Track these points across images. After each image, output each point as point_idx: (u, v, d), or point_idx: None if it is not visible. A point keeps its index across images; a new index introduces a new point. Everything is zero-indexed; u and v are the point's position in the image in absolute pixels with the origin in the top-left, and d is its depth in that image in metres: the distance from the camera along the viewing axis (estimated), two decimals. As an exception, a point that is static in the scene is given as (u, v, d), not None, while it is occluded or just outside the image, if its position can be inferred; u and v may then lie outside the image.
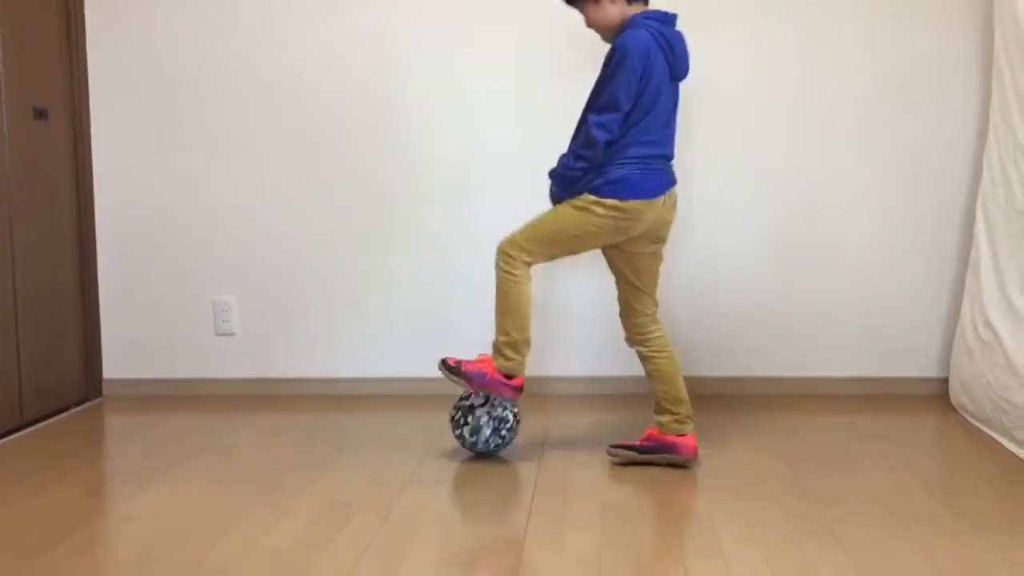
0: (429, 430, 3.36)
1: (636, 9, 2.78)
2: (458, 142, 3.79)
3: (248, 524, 2.49)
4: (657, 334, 2.96)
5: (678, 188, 2.89)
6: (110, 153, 3.88)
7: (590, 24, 2.84)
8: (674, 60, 2.77)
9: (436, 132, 3.79)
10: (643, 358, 2.97)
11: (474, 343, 3.84)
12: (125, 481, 2.88)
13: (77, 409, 3.77)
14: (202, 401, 3.84)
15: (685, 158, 3.73)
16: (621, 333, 3.83)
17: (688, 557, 2.24)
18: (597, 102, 2.72)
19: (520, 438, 3.25)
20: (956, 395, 3.57)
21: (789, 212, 3.74)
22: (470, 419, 2.96)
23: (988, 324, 3.32)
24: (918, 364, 3.78)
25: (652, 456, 2.88)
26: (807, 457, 3.01)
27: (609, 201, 2.74)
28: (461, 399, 3.02)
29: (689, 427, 2.90)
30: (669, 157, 2.87)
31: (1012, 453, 3.03)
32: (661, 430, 2.90)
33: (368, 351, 3.89)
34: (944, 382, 3.72)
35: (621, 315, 3.01)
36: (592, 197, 2.76)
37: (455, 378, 2.89)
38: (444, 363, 2.91)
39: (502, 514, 2.54)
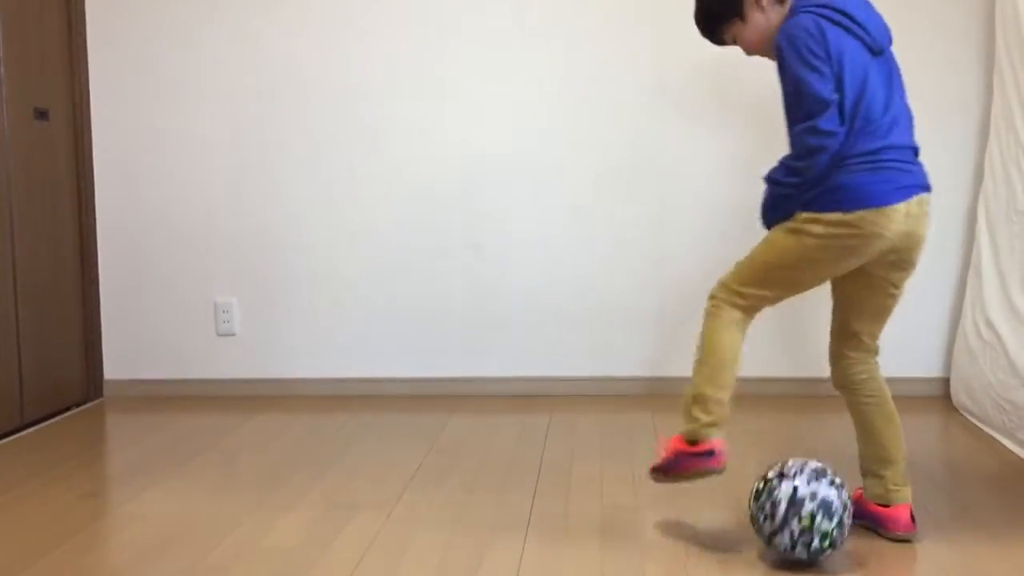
0: (429, 430, 3.36)
1: (789, 3, 2.27)
2: (459, 142, 3.79)
3: (249, 524, 2.49)
4: (865, 376, 2.38)
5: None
6: (110, 153, 3.88)
7: (750, 49, 2.37)
8: (862, 31, 2.22)
9: (436, 132, 3.79)
10: (849, 407, 2.43)
11: (474, 342, 3.85)
12: (126, 482, 2.87)
13: (78, 410, 3.77)
14: (203, 401, 3.84)
15: (685, 158, 3.74)
16: (621, 333, 3.85)
17: (689, 556, 2.24)
18: (798, 112, 2.17)
19: (520, 439, 3.24)
20: (957, 395, 3.56)
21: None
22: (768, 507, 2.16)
23: (990, 324, 3.31)
24: (919, 364, 3.77)
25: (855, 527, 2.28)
26: (808, 456, 3.00)
27: (829, 216, 2.14)
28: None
29: (898, 495, 2.31)
30: (906, 147, 2.23)
31: (1013, 453, 3.02)
32: (865, 495, 2.36)
33: (369, 351, 3.88)
34: (945, 382, 3.71)
35: (831, 353, 2.43)
36: (806, 214, 2.18)
37: (668, 479, 2.33)
38: (654, 471, 2.36)
39: (503, 514, 2.54)
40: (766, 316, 2.39)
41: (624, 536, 2.37)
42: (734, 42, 2.37)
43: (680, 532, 2.40)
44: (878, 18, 2.31)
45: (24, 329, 3.46)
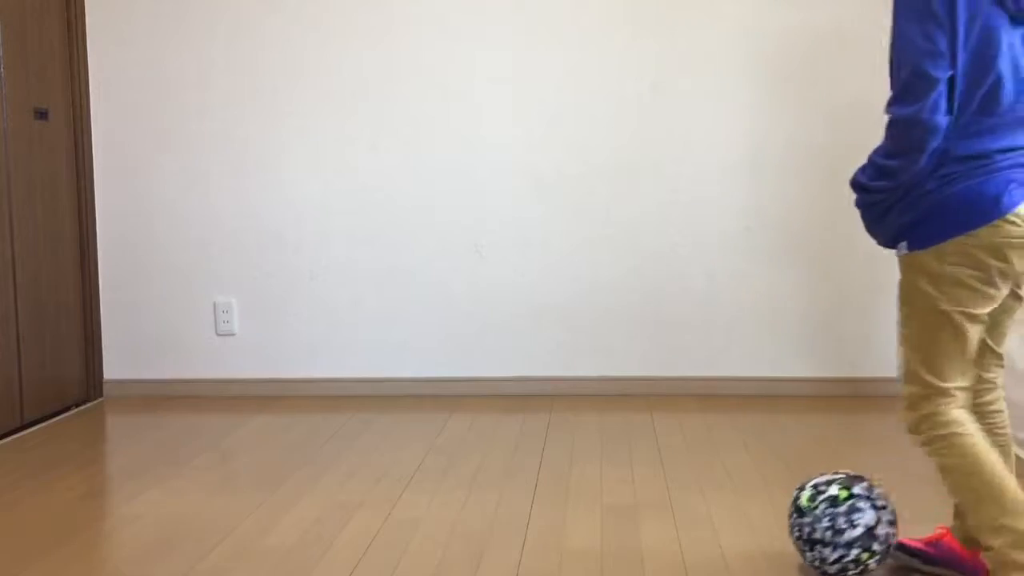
0: (429, 430, 3.36)
1: None
2: (459, 142, 3.79)
3: (249, 524, 2.49)
4: (995, 407, 1.98)
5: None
6: (110, 153, 3.88)
7: None
8: None
9: (437, 132, 3.79)
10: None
11: (474, 342, 3.85)
12: (126, 482, 2.87)
13: (77, 409, 3.77)
14: (203, 401, 3.84)
15: (685, 158, 3.74)
16: (621, 333, 3.85)
17: (687, 555, 2.24)
18: (895, 82, 1.75)
19: (522, 439, 3.25)
20: (957, 395, 3.55)
21: (788, 212, 3.74)
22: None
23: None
24: (919, 364, 3.77)
25: (937, 570, 2.10)
26: (806, 457, 3.01)
27: (949, 245, 1.77)
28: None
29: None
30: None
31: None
32: (954, 533, 2.08)
33: (368, 351, 3.88)
34: (945, 382, 3.71)
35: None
36: (921, 253, 1.80)
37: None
38: (902, 548, 2.08)
39: (502, 514, 2.54)
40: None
41: (624, 536, 2.37)
42: None
43: (679, 532, 2.40)
44: None
45: (24, 329, 3.46)
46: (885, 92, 3.64)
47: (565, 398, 3.80)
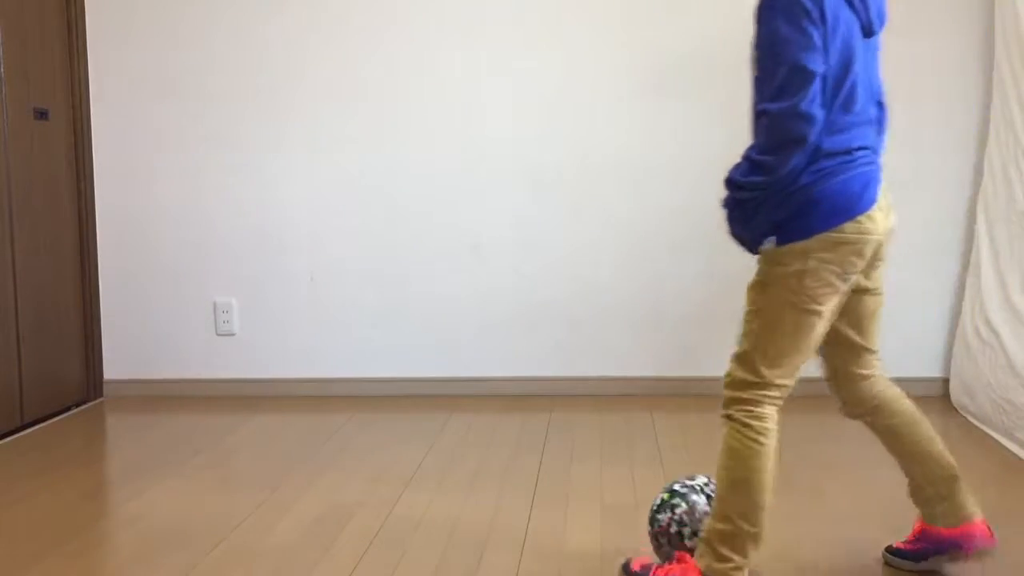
0: (429, 430, 3.36)
1: None
2: (459, 142, 3.79)
3: (249, 524, 2.49)
4: (887, 392, 2.08)
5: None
6: (110, 153, 3.88)
7: None
8: (861, 5, 1.86)
9: (437, 132, 3.79)
10: (877, 432, 2.12)
11: (474, 342, 3.85)
12: (126, 482, 2.87)
13: (77, 410, 3.77)
14: (202, 401, 3.84)
15: (685, 158, 3.74)
16: (620, 333, 3.85)
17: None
18: (770, 85, 1.77)
19: (522, 439, 3.25)
20: (957, 395, 3.56)
21: (789, 212, 3.74)
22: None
23: (989, 324, 3.32)
24: (919, 364, 3.77)
25: (932, 561, 2.11)
26: (806, 457, 3.01)
27: (816, 240, 1.84)
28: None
29: (971, 507, 2.05)
30: (875, 149, 1.99)
31: (1013, 453, 3.02)
32: (932, 523, 2.09)
33: (368, 351, 3.88)
34: (945, 382, 3.71)
35: (831, 381, 2.13)
36: (786, 248, 1.87)
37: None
38: (626, 569, 2.09)
39: (502, 514, 2.54)
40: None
41: (624, 536, 2.37)
42: None
43: (680, 532, 2.40)
44: None
45: (24, 329, 3.46)
46: (887, 91, 3.62)
47: (565, 398, 3.80)
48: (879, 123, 2.01)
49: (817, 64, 1.75)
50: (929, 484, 2.06)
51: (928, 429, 2.07)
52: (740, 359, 1.92)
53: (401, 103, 3.79)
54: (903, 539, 2.16)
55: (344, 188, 3.83)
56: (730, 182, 1.87)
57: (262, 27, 3.79)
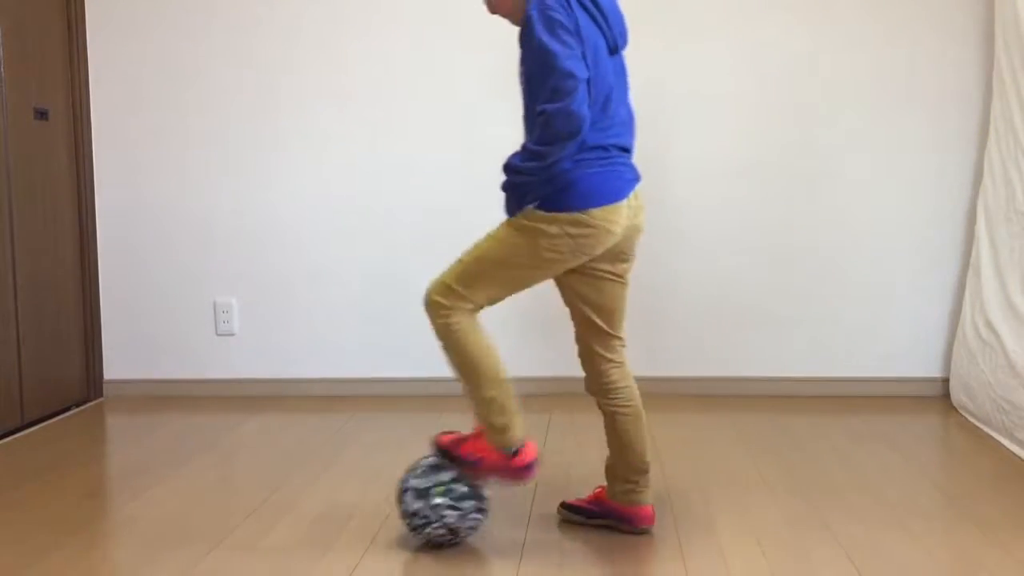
0: (429, 430, 3.36)
1: None
2: (459, 143, 3.79)
3: (249, 524, 2.49)
4: (621, 384, 2.35)
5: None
6: (110, 153, 3.88)
7: (494, 9, 2.31)
8: (605, 25, 2.16)
9: (437, 132, 3.79)
10: (602, 411, 2.38)
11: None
12: (126, 482, 2.87)
13: (78, 409, 3.77)
14: (202, 401, 3.84)
15: (685, 158, 3.74)
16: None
17: (688, 556, 2.24)
18: (543, 89, 2.04)
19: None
20: (957, 395, 3.57)
21: (789, 212, 3.74)
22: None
23: (989, 324, 3.32)
24: (919, 364, 3.77)
25: (596, 522, 2.43)
26: (806, 457, 3.01)
27: (565, 215, 2.12)
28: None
29: (646, 496, 2.38)
30: (629, 148, 2.26)
31: (1013, 453, 3.03)
32: (612, 498, 2.40)
33: (368, 352, 3.89)
34: (945, 382, 3.71)
35: (580, 356, 2.42)
36: (541, 213, 2.13)
37: (453, 464, 2.30)
38: (437, 444, 2.38)
39: (503, 514, 2.54)
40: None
41: (624, 536, 2.37)
42: (499, 13, 2.30)
43: (679, 531, 2.40)
44: (621, 17, 2.25)
45: (24, 329, 3.47)
46: (885, 91, 3.62)
47: (565, 398, 3.80)
48: (631, 125, 2.28)
49: (582, 71, 2.02)
50: (623, 468, 2.35)
51: (643, 428, 2.35)
52: (455, 275, 2.21)
53: (402, 102, 3.79)
54: (579, 498, 2.47)
55: (344, 188, 3.83)
56: (510, 168, 2.14)
57: (263, 27, 3.79)
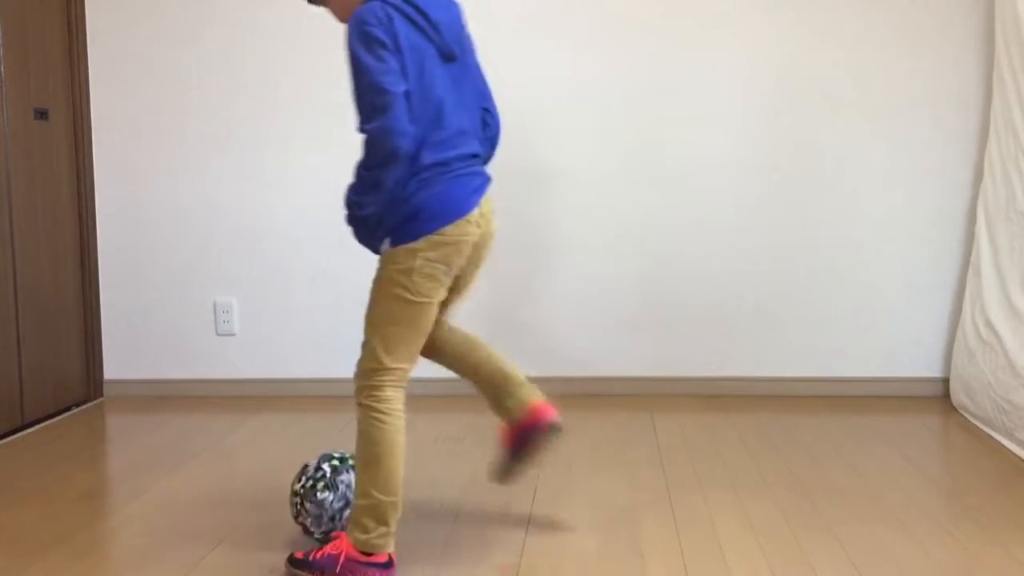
0: (428, 430, 3.36)
1: None
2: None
3: (249, 525, 2.49)
4: (448, 336, 2.47)
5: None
6: (110, 153, 3.88)
7: (341, 19, 2.19)
8: (435, 34, 2.09)
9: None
10: (451, 367, 2.51)
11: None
12: (126, 482, 2.87)
13: (78, 410, 3.77)
14: (203, 401, 3.84)
15: (685, 158, 3.74)
16: (621, 333, 3.86)
17: (688, 555, 2.24)
18: (365, 108, 2.01)
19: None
20: (957, 395, 3.56)
21: (789, 212, 3.74)
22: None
23: (989, 324, 3.32)
24: (919, 364, 3.77)
25: (529, 454, 2.42)
26: (807, 457, 3.01)
27: (421, 242, 2.09)
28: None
29: (536, 392, 2.45)
30: (477, 154, 2.22)
31: (1013, 453, 3.02)
32: (514, 421, 2.42)
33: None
34: (945, 382, 3.71)
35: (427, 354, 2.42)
36: (401, 249, 2.11)
37: (303, 573, 2.16)
38: (290, 560, 2.20)
39: (503, 514, 2.54)
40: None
41: (624, 537, 2.38)
42: (326, 5, 2.25)
43: (680, 532, 2.40)
44: (456, 23, 2.19)
45: (24, 329, 3.47)
46: (885, 90, 3.62)
47: (565, 398, 3.80)
48: (489, 131, 2.30)
49: (396, 85, 1.98)
50: (496, 389, 2.38)
51: (484, 347, 2.44)
52: (364, 349, 2.17)
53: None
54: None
55: (344, 187, 3.82)
56: (350, 202, 2.10)
57: (263, 27, 3.79)
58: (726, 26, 3.69)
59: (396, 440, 2.17)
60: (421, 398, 3.82)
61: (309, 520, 2.30)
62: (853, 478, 2.80)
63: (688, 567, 2.18)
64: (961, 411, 3.52)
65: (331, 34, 3.78)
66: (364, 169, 2.04)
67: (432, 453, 3.10)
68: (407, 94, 2.00)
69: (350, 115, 3.89)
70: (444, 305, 2.32)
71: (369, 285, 4.05)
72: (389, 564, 2.12)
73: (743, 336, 3.80)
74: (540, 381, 3.81)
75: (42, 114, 3.58)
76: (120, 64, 3.84)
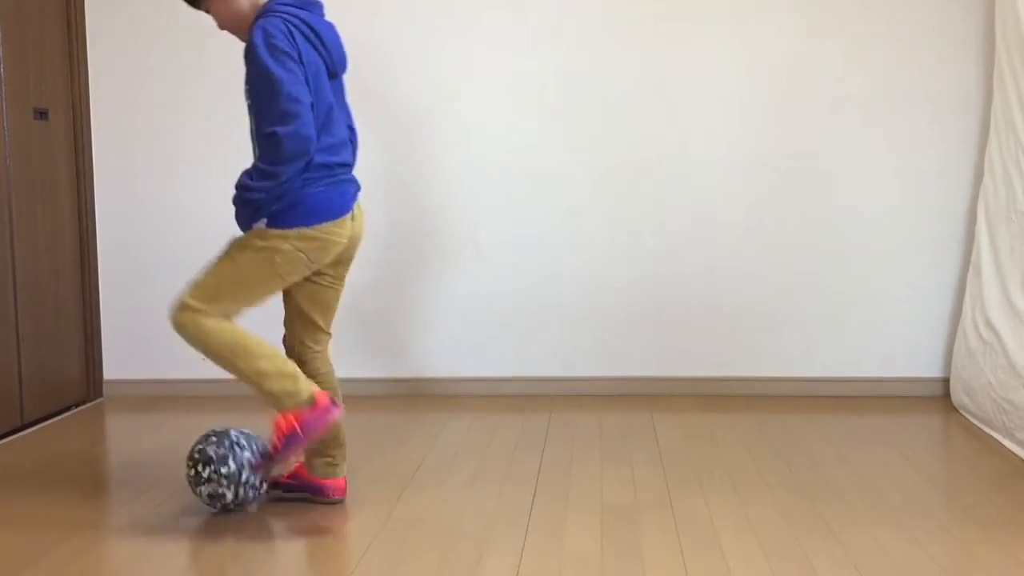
0: (429, 430, 3.36)
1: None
2: (458, 142, 3.79)
3: (250, 524, 2.49)
4: (323, 370, 2.61)
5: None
6: (110, 153, 3.88)
7: (222, 25, 2.41)
8: (325, 52, 2.36)
9: (436, 132, 3.79)
10: None
11: (473, 342, 3.85)
12: (126, 482, 2.87)
13: (77, 410, 3.77)
14: (203, 402, 3.83)
15: (685, 158, 3.74)
16: (621, 333, 3.86)
17: (688, 555, 2.24)
18: (270, 113, 2.22)
19: (522, 439, 3.25)
20: (957, 395, 3.56)
21: (790, 212, 3.74)
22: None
23: (989, 324, 3.32)
24: (919, 364, 3.77)
25: (298, 494, 2.64)
26: (807, 457, 3.01)
27: (295, 231, 2.32)
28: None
29: (341, 469, 2.61)
30: (350, 164, 2.50)
31: (1013, 453, 3.02)
32: (310, 471, 2.61)
33: (368, 351, 3.88)
34: (945, 382, 3.71)
35: (285, 342, 2.62)
36: (274, 230, 2.32)
37: (273, 464, 2.45)
38: (273, 485, 2.57)
39: (503, 514, 2.54)
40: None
41: (624, 537, 2.37)
42: (208, 11, 2.41)
43: (680, 532, 2.40)
44: (340, 44, 2.45)
45: (24, 329, 3.47)
46: (885, 90, 3.62)
47: (565, 398, 3.80)
48: (353, 145, 2.54)
49: (305, 95, 2.23)
50: (327, 446, 2.55)
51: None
52: (197, 291, 2.35)
53: (400, 101, 3.79)
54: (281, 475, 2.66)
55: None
56: (241, 186, 2.29)
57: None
58: (727, 26, 3.69)
59: (232, 330, 2.35)
60: (408, 398, 3.83)
61: (228, 494, 2.49)
62: (853, 478, 2.80)
63: (688, 568, 2.18)
64: (961, 411, 3.52)
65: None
66: (266, 164, 2.24)
67: (432, 453, 3.10)
68: (311, 104, 2.25)
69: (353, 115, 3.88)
70: (326, 316, 2.58)
71: (369, 284, 4.07)
72: (327, 408, 2.33)
73: (743, 336, 3.80)
74: (540, 381, 3.84)
75: (42, 114, 3.58)
76: (120, 64, 3.84)
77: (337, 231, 2.39)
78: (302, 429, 2.32)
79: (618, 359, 3.83)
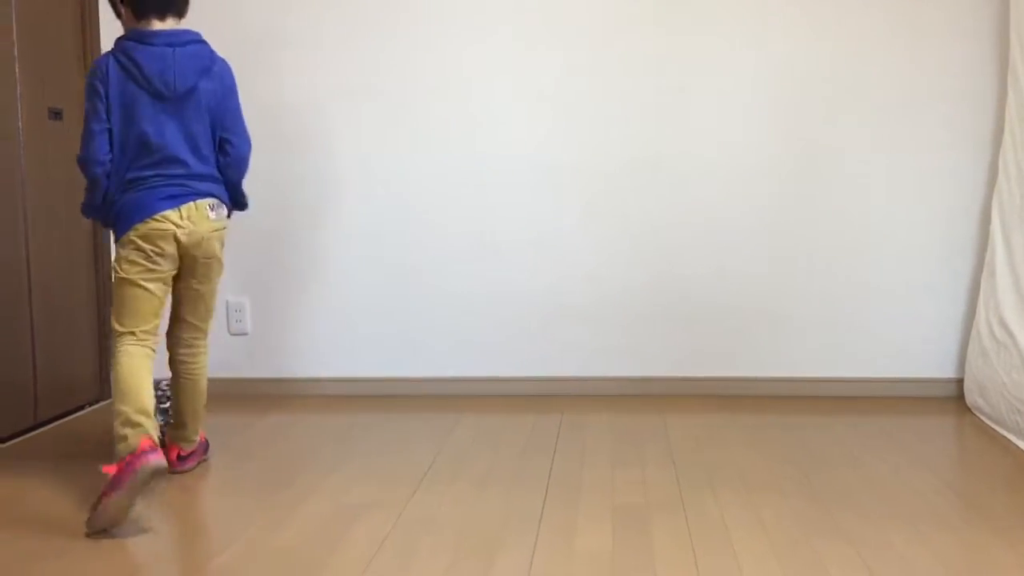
0: (440, 430, 3.36)
1: (143, 25, 2.70)
2: (468, 141, 3.79)
3: (258, 524, 2.49)
4: (190, 361, 2.91)
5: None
6: (124, 153, 3.89)
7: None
8: (145, 81, 2.63)
9: (446, 132, 3.79)
10: (172, 371, 2.95)
11: (484, 342, 3.85)
12: (138, 480, 2.88)
13: (91, 408, 3.79)
14: (216, 400, 3.82)
15: (694, 158, 3.73)
16: (632, 333, 3.85)
17: (699, 556, 2.24)
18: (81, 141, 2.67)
19: (531, 439, 3.25)
20: (971, 396, 3.55)
21: (801, 212, 3.73)
22: None
23: (1003, 325, 3.30)
24: (933, 365, 3.76)
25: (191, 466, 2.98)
26: (819, 457, 3.00)
27: (124, 236, 2.66)
28: None
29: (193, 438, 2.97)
30: (177, 174, 2.70)
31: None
32: (174, 442, 2.94)
33: (380, 351, 3.89)
34: (959, 383, 3.69)
35: (168, 335, 2.91)
36: (119, 240, 2.68)
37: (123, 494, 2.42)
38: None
39: (513, 515, 2.54)
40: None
41: (635, 537, 2.37)
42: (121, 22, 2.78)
43: (691, 533, 2.40)
44: (166, 70, 2.66)
45: (38, 328, 3.48)
46: (898, 90, 3.60)
47: (577, 398, 3.80)
48: (226, 158, 2.82)
49: (99, 127, 2.63)
50: (179, 420, 2.92)
51: (199, 398, 2.94)
52: (113, 314, 2.70)
53: (412, 100, 3.79)
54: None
55: (356, 187, 3.84)
56: (81, 205, 2.76)
57: (270, 26, 3.80)
58: (732, 26, 3.68)
59: (124, 368, 2.61)
60: (419, 398, 3.83)
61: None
62: (865, 479, 2.79)
63: (700, 569, 2.18)
64: (975, 412, 3.50)
65: (331, 35, 3.79)
66: (88, 184, 2.68)
67: (443, 453, 3.10)
68: (108, 131, 2.63)
69: (356, 116, 3.91)
70: (196, 312, 2.88)
71: (382, 287, 4.09)
72: (149, 450, 2.44)
73: (756, 337, 3.79)
74: (554, 381, 3.84)
75: (56, 114, 3.59)
76: (133, 65, 3.85)
77: (157, 227, 2.65)
78: (118, 475, 2.41)
79: (630, 360, 3.83)
